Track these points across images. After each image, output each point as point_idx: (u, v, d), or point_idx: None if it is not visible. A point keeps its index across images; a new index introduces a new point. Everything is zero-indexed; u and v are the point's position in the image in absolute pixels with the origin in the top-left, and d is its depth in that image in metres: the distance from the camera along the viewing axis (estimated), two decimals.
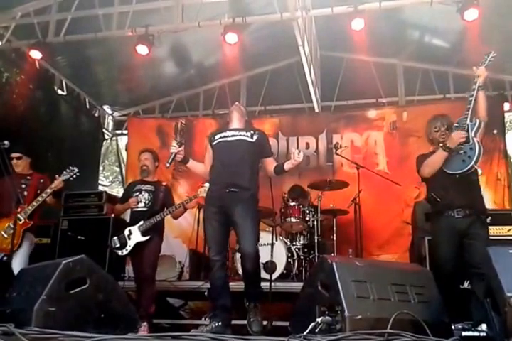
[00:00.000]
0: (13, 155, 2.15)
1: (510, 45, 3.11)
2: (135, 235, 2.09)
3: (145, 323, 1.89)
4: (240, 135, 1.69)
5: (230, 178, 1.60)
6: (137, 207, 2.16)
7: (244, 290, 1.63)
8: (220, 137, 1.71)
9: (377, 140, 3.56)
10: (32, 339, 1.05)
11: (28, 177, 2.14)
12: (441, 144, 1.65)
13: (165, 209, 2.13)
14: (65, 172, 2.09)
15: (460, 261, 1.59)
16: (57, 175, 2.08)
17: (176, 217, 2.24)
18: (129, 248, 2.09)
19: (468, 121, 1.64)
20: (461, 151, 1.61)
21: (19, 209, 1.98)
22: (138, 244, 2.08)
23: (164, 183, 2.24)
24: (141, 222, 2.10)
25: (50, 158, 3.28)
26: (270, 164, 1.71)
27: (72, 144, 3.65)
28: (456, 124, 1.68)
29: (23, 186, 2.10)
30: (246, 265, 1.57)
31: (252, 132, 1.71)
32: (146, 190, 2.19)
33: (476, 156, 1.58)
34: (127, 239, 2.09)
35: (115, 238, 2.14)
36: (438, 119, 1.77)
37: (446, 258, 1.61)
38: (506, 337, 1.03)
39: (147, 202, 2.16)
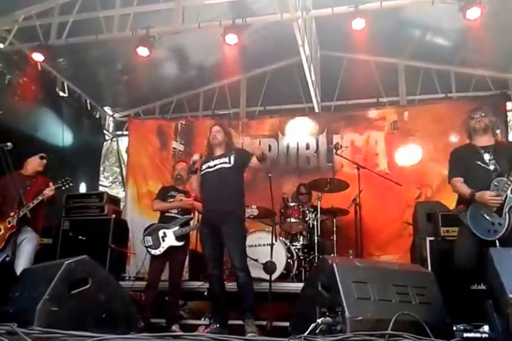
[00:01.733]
0: (44, 155, 2.21)
1: None
2: (170, 238, 2.17)
3: (176, 324, 2.08)
4: (220, 163, 1.90)
5: (215, 205, 1.85)
6: (170, 212, 2.25)
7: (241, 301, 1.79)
8: (205, 168, 1.93)
9: (378, 140, 3.55)
10: (35, 338, 1.05)
11: (33, 180, 2.16)
12: (474, 193, 1.59)
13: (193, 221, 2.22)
14: (59, 181, 2.13)
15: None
16: (50, 183, 2.11)
17: None
18: (162, 249, 2.17)
19: (509, 192, 1.56)
20: (490, 219, 1.56)
21: (12, 213, 2.01)
22: (171, 248, 2.16)
23: (193, 194, 2.28)
24: (177, 227, 2.18)
25: (52, 159, 3.30)
26: (255, 160, 1.92)
27: (73, 145, 3.66)
28: (495, 183, 1.61)
29: (28, 188, 2.11)
30: (239, 278, 1.78)
31: (229, 155, 1.91)
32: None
33: (502, 233, 1.54)
34: (161, 240, 2.17)
35: (148, 237, 2.21)
36: (479, 110, 1.76)
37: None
38: (508, 339, 1.02)
39: (179, 209, 2.26)
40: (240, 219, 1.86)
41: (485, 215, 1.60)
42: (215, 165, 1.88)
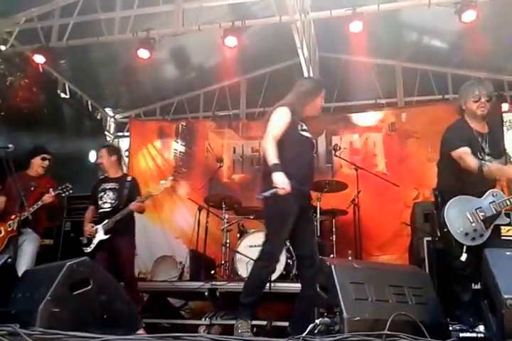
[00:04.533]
0: (46, 156, 2.21)
1: (508, 45, 3.13)
2: (99, 233, 2.13)
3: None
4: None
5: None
6: (104, 208, 2.16)
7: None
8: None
9: (376, 141, 3.57)
10: (36, 339, 1.07)
11: (38, 181, 2.18)
12: (483, 166, 1.41)
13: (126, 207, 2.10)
14: (59, 187, 2.12)
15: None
16: (51, 189, 2.11)
17: (140, 212, 2.22)
18: (92, 245, 2.12)
19: (503, 210, 1.47)
20: (473, 224, 1.45)
21: (13, 216, 2.02)
22: (102, 243, 2.10)
23: (129, 178, 2.19)
24: (106, 221, 2.12)
25: (53, 160, 3.32)
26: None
27: (74, 146, 3.69)
28: (493, 193, 1.49)
29: (32, 188, 2.13)
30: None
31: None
32: (110, 189, 2.17)
33: (477, 244, 1.45)
34: (93, 237, 2.13)
35: (84, 236, 2.17)
36: (477, 85, 1.50)
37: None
38: (503, 338, 1.03)
39: (113, 201, 2.14)
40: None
41: (469, 217, 1.49)
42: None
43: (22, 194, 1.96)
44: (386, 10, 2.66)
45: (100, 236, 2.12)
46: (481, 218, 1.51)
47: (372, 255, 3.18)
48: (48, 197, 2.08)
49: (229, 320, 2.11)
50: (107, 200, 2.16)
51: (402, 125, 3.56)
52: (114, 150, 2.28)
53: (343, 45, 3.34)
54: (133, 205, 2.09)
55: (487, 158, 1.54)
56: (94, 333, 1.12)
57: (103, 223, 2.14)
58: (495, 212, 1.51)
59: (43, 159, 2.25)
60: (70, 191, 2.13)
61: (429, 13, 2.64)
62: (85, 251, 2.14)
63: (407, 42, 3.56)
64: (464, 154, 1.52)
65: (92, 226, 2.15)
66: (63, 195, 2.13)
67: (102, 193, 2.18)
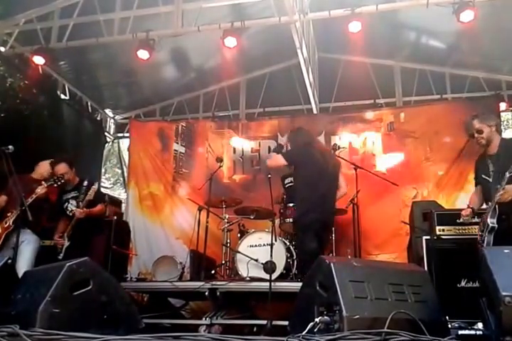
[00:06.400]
0: (53, 159, 2.24)
1: (505, 45, 3.14)
2: (65, 241, 2.23)
3: None
4: None
5: None
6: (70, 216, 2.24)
7: None
8: None
9: (375, 141, 3.58)
10: (37, 340, 1.07)
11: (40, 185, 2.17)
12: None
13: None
14: (51, 179, 2.13)
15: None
16: (43, 181, 2.12)
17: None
18: (61, 254, 2.21)
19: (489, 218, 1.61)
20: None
21: (9, 214, 2.03)
22: (69, 248, 2.19)
23: (85, 183, 2.27)
24: (68, 228, 2.20)
25: (53, 161, 3.31)
26: None
27: (74, 147, 3.68)
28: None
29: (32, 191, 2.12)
30: None
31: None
32: (72, 198, 2.28)
33: None
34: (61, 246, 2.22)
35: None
36: (476, 127, 1.75)
37: None
38: (502, 336, 1.04)
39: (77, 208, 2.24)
40: None
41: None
42: None
43: (22, 195, 1.96)
44: (384, 10, 2.67)
45: (65, 243, 2.20)
46: None
47: (371, 254, 3.18)
48: (40, 189, 2.08)
49: (229, 320, 2.11)
50: (72, 209, 2.27)
51: (400, 125, 3.57)
52: (72, 164, 2.37)
53: (342, 46, 3.36)
54: (77, 214, 2.18)
55: (492, 177, 1.74)
56: (95, 333, 1.12)
57: (67, 231, 2.22)
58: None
59: (52, 164, 2.26)
60: (62, 180, 2.13)
61: (428, 13, 2.66)
62: (59, 258, 2.19)
63: (405, 42, 3.57)
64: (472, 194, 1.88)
65: (60, 236, 2.21)
66: (55, 185, 2.12)
67: (66, 204, 2.28)
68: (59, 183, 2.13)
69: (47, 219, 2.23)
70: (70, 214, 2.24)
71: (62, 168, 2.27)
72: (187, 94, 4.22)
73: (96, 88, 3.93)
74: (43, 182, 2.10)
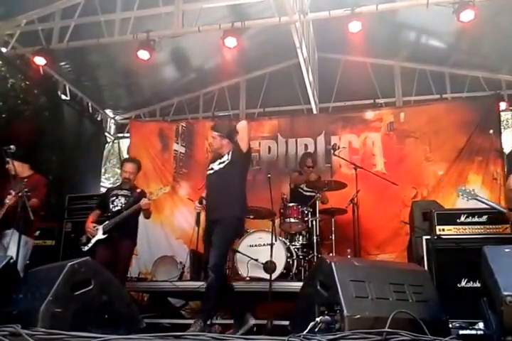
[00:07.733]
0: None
1: (506, 44, 3.14)
2: (98, 233, 2.20)
3: None
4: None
5: None
6: (111, 211, 2.26)
7: None
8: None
9: (375, 141, 3.58)
10: (38, 339, 1.08)
11: (26, 180, 2.16)
12: None
13: (125, 211, 2.20)
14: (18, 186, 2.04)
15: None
16: (11, 190, 2.05)
17: (147, 217, 2.35)
18: (90, 244, 2.20)
19: None
20: None
21: None
22: (101, 242, 2.17)
23: (139, 190, 2.33)
24: (107, 222, 2.20)
25: (54, 161, 3.33)
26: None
27: (75, 147, 3.69)
28: None
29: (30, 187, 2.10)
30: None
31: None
32: (122, 195, 2.31)
33: None
34: (92, 236, 2.21)
35: (84, 235, 2.24)
36: None
37: None
38: (503, 335, 1.04)
39: (122, 205, 2.28)
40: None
41: None
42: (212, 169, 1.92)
43: (24, 195, 1.96)
44: (384, 10, 2.67)
45: (99, 235, 2.19)
46: None
47: (372, 254, 3.18)
48: (9, 199, 2.05)
49: (229, 320, 2.11)
50: (118, 204, 2.28)
51: (400, 124, 3.57)
52: (140, 167, 2.43)
53: (342, 46, 3.35)
54: (143, 202, 2.18)
55: None
56: (96, 333, 1.13)
57: (104, 223, 2.21)
58: None
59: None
60: (25, 189, 2.02)
61: (427, 13, 2.66)
62: (83, 249, 2.19)
63: (405, 42, 3.57)
64: None
65: (94, 226, 2.22)
66: (19, 193, 2.01)
67: (114, 198, 2.30)
68: (24, 192, 2.00)
69: (39, 219, 2.20)
70: (114, 209, 2.24)
71: (130, 167, 2.34)
72: (187, 94, 4.22)
73: (96, 88, 3.93)
74: (11, 191, 2.05)
